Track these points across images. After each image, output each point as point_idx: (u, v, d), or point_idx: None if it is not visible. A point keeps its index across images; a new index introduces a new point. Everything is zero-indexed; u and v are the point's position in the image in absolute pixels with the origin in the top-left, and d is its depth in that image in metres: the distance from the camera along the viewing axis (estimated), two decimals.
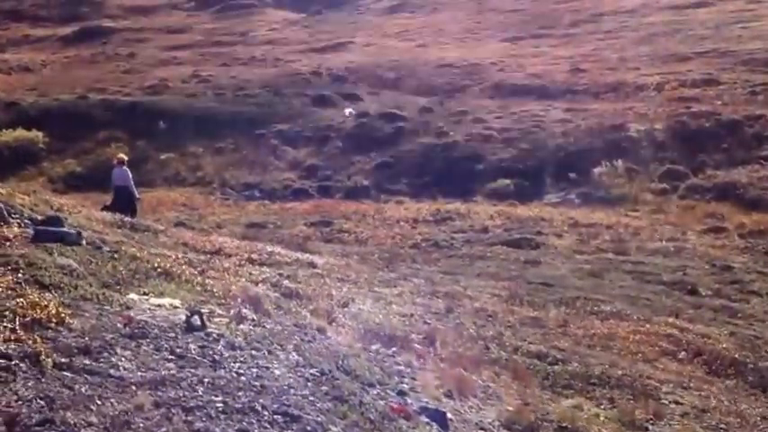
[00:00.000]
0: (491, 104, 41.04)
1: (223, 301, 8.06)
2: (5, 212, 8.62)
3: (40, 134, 42.74)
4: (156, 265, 8.14)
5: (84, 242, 8.20)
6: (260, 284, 10.18)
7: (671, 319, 14.96)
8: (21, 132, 42.62)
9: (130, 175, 24.81)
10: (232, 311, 7.64)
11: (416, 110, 41.37)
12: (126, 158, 25.15)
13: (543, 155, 34.50)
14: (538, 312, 13.98)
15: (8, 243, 7.24)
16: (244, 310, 7.73)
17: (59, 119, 44.27)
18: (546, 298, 16.27)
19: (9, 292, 6.46)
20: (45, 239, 7.71)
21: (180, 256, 12.00)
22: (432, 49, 57.20)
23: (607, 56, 48.43)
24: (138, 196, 25.15)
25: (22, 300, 6.24)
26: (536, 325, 12.81)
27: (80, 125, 43.69)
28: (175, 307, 7.26)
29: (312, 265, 14.58)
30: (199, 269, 9.80)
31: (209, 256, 13.11)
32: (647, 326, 13.60)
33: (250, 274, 10.74)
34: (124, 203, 24.51)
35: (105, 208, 25.00)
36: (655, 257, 20.69)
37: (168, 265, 8.31)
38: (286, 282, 10.75)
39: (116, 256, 8.09)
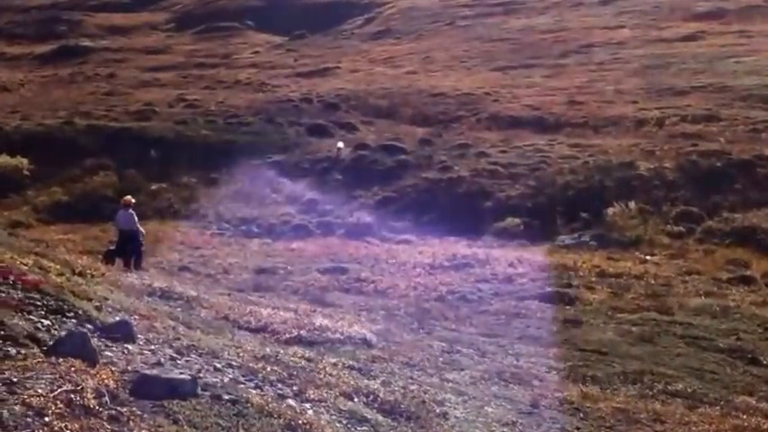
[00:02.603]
0: (492, 137, 39.71)
1: None
2: (90, 342, 6.94)
3: (25, 161, 40.72)
4: (284, 420, 6.61)
5: (198, 389, 6.62)
6: (356, 398, 8.67)
7: (752, 400, 13.60)
8: (5, 159, 40.60)
9: (136, 218, 23.19)
10: None
11: (416, 141, 39.99)
12: (133, 201, 23.53)
13: (552, 192, 33.22)
14: (618, 399, 12.51)
15: (125, 411, 5.59)
16: None
17: (44, 145, 42.24)
18: (607, 371, 14.82)
19: None
20: (154, 395, 6.10)
21: (238, 344, 10.47)
22: (421, 76, 55.95)
23: (602, 88, 47.39)
24: (142, 240, 23.51)
25: None
26: (630, 420, 11.36)
27: (66, 152, 41.71)
28: None
29: (367, 343, 13.06)
30: (294, 387, 8.21)
31: (264, 340, 11.61)
32: (744, 416, 12.16)
33: (340, 383, 9.16)
34: (129, 248, 22.94)
35: (109, 252, 23.36)
36: (702, 318, 19.31)
37: (296, 419, 6.75)
38: (377, 389, 9.22)
39: (241, 410, 6.56)
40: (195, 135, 42.85)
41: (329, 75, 60.15)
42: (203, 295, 15.21)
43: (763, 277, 24.65)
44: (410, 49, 66.33)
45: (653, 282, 23.08)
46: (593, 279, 23.28)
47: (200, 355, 8.64)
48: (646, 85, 46.92)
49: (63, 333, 7.66)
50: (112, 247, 23.53)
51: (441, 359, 13.35)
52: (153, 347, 8.36)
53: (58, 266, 13.12)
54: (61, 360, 6.39)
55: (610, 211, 30.80)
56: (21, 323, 7.50)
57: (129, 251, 22.85)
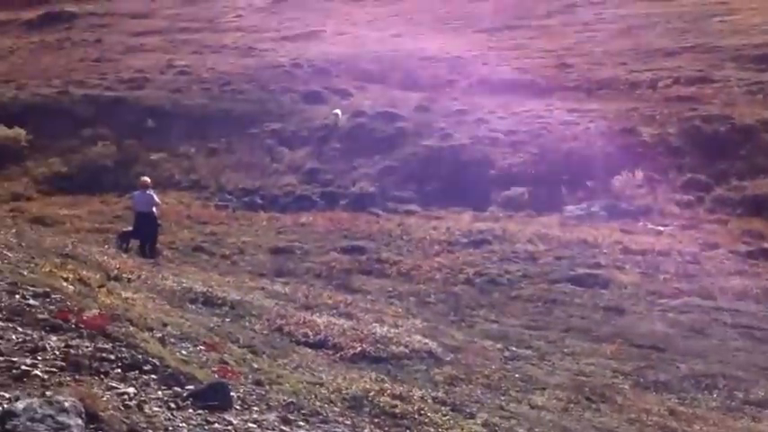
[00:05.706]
0: (488, 103, 37.71)
1: None
2: None
3: (23, 132, 38.39)
4: None
5: None
6: None
7: None
8: (2, 130, 38.25)
9: (156, 199, 21.37)
10: None
11: (411, 108, 37.97)
12: (150, 181, 21.64)
13: (554, 160, 31.43)
14: (710, 420, 10.98)
15: None
16: None
17: (41, 115, 39.90)
18: (676, 374, 13.30)
19: None
20: None
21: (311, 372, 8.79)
22: (407, 39, 53.70)
23: (590, 49, 45.52)
24: (159, 222, 21.73)
25: None
26: None
27: (63, 122, 39.41)
28: None
29: (435, 358, 11.48)
30: None
31: (329, 358, 10.02)
32: None
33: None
34: (147, 231, 21.13)
35: (124, 234, 21.49)
36: (746, 303, 17.81)
37: None
38: None
39: None
40: (192, 104, 40.61)
41: (315, 38, 57.73)
42: (245, 298, 13.52)
43: None
44: (393, 11, 63.93)
45: (680, 259, 21.54)
46: (620, 257, 21.66)
47: (305, 419, 6.91)
48: (633, 45, 45.11)
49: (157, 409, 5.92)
50: (128, 228, 21.69)
51: (516, 375, 11.72)
52: (255, 416, 6.64)
53: (97, 276, 11.48)
54: None
55: (616, 180, 29.21)
56: (108, 397, 5.65)
57: (145, 234, 21.06)
